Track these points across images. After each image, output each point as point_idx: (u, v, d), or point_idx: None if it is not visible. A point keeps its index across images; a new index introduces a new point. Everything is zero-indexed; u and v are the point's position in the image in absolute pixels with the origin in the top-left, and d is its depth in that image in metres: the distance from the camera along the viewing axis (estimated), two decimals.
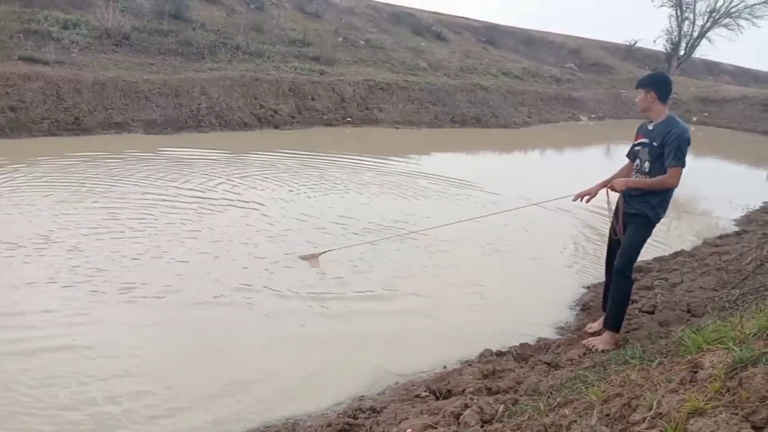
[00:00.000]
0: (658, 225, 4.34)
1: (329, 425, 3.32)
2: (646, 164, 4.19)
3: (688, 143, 4.04)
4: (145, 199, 7.28)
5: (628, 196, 4.25)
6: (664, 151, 4.04)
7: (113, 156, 9.25)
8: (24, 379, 3.68)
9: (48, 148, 9.42)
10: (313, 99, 15.04)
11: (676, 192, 4.27)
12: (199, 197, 7.61)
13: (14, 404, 3.44)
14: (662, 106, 4.18)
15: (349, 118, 15.32)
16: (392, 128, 15.77)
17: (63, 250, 5.56)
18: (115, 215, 6.62)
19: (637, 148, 4.31)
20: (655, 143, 4.11)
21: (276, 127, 13.70)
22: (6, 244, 5.56)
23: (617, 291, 4.33)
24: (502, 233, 7.39)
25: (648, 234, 4.30)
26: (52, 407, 3.45)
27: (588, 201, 4.51)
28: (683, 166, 4.02)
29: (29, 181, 7.54)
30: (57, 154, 9.04)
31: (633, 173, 4.35)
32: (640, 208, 4.19)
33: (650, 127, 4.23)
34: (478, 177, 10.48)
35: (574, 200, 4.53)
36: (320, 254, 6.04)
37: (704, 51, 36.89)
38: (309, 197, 8.22)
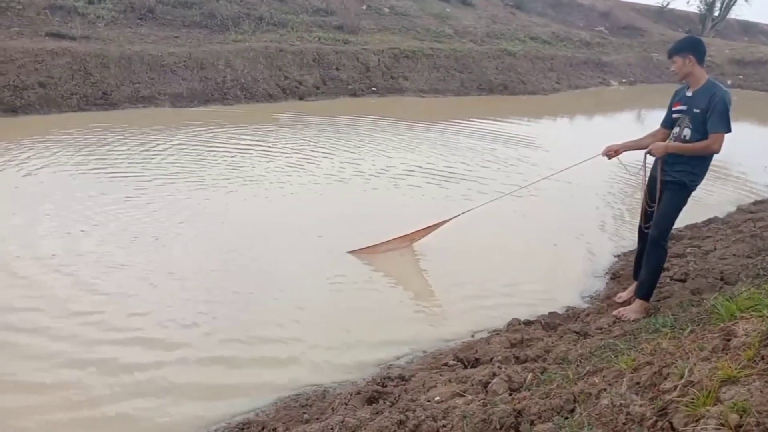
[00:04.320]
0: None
1: (358, 393, 3.36)
2: (687, 131, 4.00)
3: (730, 108, 3.86)
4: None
5: (668, 162, 4.10)
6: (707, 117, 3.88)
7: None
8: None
9: (78, 123, 9.57)
10: (337, 69, 14.95)
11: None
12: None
13: None
14: (702, 70, 4.01)
15: (374, 88, 15.20)
16: (418, 97, 15.61)
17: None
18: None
19: (675, 115, 4.12)
20: (697, 110, 3.92)
21: (301, 99, 13.66)
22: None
23: (651, 261, 4.25)
24: (533, 199, 7.33)
25: (684, 202, 4.16)
26: None
27: (611, 157, 4.39)
28: (728, 131, 3.84)
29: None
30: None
31: (671, 141, 4.16)
32: (677, 175, 4.05)
33: (689, 94, 4.04)
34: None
35: (604, 154, 4.42)
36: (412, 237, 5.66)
37: (740, 11, 35.76)
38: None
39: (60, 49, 11.09)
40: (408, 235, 5.59)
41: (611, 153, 4.38)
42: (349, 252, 5.52)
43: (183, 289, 4.67)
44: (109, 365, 3.71)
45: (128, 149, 8.27)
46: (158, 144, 8.65)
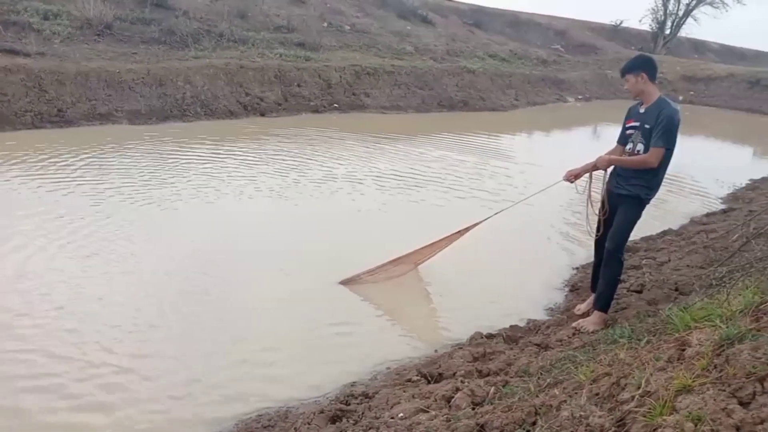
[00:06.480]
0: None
1: (321, 411, 3.33)
2: (640, 146, 4.12)
3: (678, 125, 4.00)
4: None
5: (620, 176, 4.23)
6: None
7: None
8: None
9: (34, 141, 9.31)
10: (299, 86, 14.93)
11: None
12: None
13: None
14: (654, 87, 4.16)
15: (336, 104, 15.23)
16: (380, 113, 15.69)
17: None
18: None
19: (629, 131, 4.26)
20: (647, 125, 4.06)
21: (262, 115, 13.58)
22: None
23: (608, 273, 4.34)
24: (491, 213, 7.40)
25: (638, 215, 4.28)
26: None
27: (572, 181, 4.48)
28: (667, 148, 3.98)
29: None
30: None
31: (625, 156, 4.29)
32: (632, 189, 4.17)
33: (642, 110, 4.17)
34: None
35: (566, 180, 4.49)
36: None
37: (690, 30, 37.08)
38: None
39: (14, 66, 10.80)
40: (409, 255, 5.39)
41: (572, 178, 4.46)
42: (341, 282, 5.28)
43: (145, 317, 4.57)
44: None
45: (77, 167, 8.09)
46: (104, 161, 8.49)
